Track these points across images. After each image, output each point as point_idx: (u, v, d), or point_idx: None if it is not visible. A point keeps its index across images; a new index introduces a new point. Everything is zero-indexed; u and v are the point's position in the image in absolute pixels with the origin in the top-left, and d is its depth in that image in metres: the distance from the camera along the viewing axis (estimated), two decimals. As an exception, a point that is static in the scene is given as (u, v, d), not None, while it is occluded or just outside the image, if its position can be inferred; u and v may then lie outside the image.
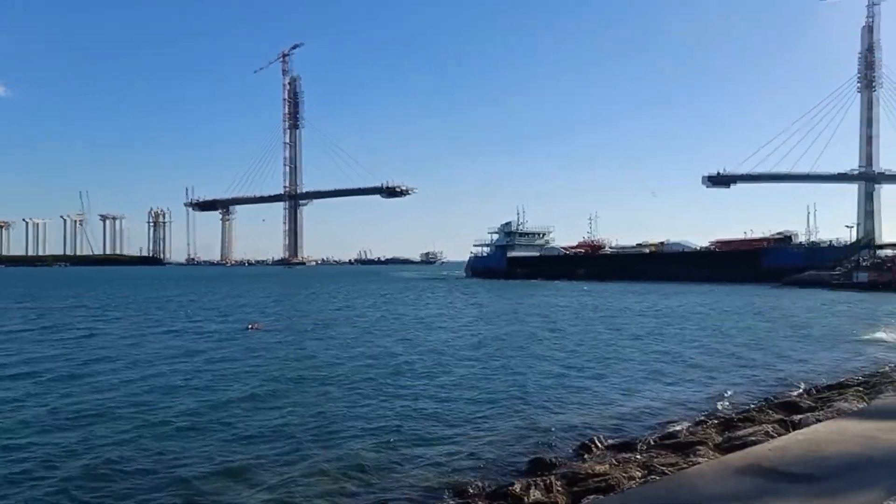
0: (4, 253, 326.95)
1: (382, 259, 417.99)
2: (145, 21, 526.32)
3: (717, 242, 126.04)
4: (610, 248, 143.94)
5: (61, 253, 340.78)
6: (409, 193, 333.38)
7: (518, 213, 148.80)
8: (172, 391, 22.22)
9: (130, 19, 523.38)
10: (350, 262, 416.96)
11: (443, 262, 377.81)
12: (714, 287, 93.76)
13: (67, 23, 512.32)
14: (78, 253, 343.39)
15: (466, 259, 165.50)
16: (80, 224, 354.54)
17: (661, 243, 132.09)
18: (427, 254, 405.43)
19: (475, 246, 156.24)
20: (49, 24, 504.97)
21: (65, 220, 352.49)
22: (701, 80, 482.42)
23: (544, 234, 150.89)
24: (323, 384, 23.53)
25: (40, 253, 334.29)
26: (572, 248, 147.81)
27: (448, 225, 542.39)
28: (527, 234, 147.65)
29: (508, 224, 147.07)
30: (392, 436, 16.85)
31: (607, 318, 50.18)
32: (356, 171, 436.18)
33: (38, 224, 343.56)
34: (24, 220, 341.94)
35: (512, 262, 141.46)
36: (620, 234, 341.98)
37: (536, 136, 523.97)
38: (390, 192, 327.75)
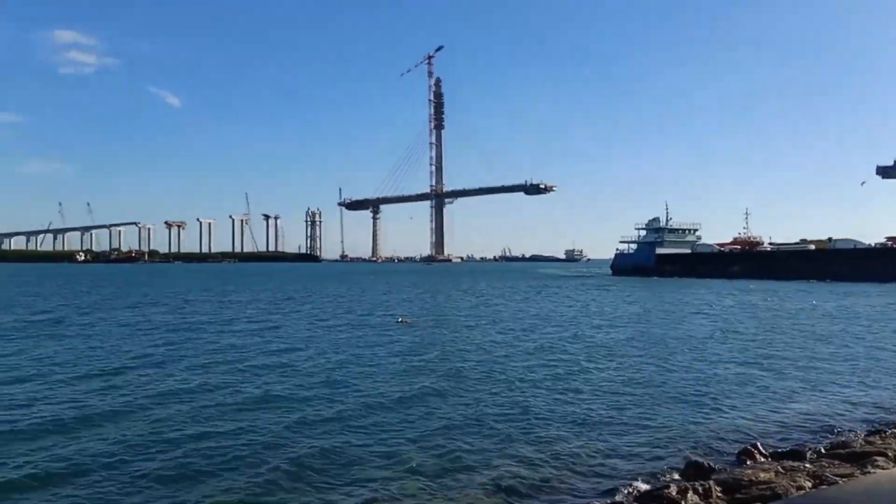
0: (181, 250, 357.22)
1: (525, 256, 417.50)
2: (301, 29, 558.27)
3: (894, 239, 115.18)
4: (769, 244, 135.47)
5: (229, 250, 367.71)
6: (551, 190, 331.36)
7: (665, 210, 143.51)
8: (344, 383, 23.38)
9: (286, 28, 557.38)
10: (494, 259, 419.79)
11: (588, 260, 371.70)
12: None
13: (226, 31, 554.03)
14: (244, 250, 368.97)
15: (610, 256, 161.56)
16: (245, 223, 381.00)
17: (829, 239, 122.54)
18: (571, 251, 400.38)
19: (621, 243, 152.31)
20: (210, 34, 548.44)
21: (232, 220, 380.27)
22: (864, 65, 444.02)
23: (694, 231, 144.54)
24: (477, 379, 23.91)
25: (211, 250, 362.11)
26: (726, 244, 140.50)
27: (591, 222, 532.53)
28: (676, 230, 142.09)
29: (656, 220, 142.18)
30: (546, 431, 16.88)
31: (783, 319, 47.15)
32: (499, 170, 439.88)
33: (208, 223, 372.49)
34: (197, 219, 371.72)
35: (661, 259, 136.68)
36: (773, 231, 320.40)
37: (682, 132, 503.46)
38: (533, 189, 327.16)
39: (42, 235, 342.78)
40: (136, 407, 18.74)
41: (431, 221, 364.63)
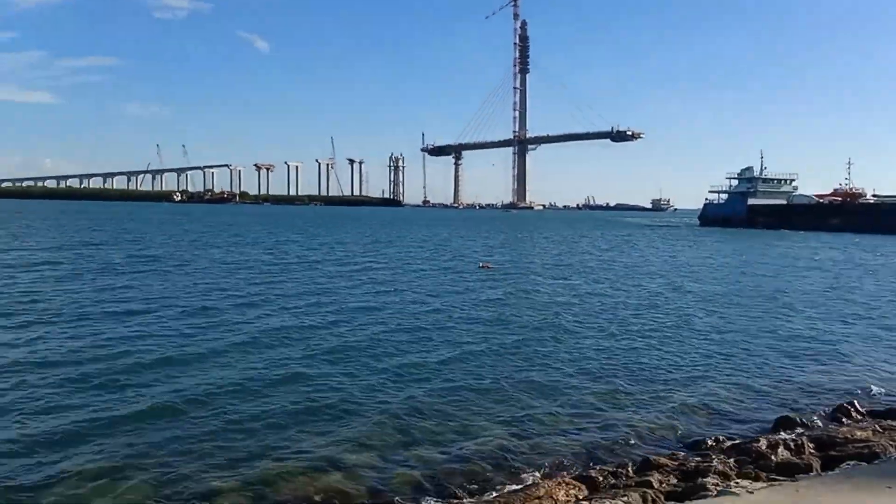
0: (269, 192, 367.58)
1: (609, 205, 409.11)
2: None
3: None
4: (872, 196, 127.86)
5: (315, 193, 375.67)
6: (638, 138, 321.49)
7: (760, 158, 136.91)
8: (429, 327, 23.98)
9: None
10: (577, 208, 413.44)
11: (674, 210, 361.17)
12: None
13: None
14: (329, 193, 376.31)
15: (699, 207, 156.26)
16: (331, 167, 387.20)
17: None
18: (657, 200, 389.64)
19: (711, 192, 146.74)
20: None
21: (318, 164, 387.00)
22: None
23: (790, 181, 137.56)
24: (564, 327, 24.01)
25: (298, 193, 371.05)
26: (825, 196, 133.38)
27: (679, 171, 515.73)
28: (770, 180, 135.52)
29: (749, 169, 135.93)
30: (634, 380, 16.92)
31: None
32: (584, 116, 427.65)
33: (296, 167, 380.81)
34: (284, 163, 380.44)
35: (753, 210, 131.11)
36: (878, 182, 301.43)
37: (779, 73, 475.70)
38: (619, 136, 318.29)
39: (142, 176, 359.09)
40: (232, 345, 19.68)
41: (513, 168, 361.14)
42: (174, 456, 11.33)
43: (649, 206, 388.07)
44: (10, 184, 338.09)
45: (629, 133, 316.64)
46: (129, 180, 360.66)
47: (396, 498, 10.20)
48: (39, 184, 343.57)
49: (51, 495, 9.71)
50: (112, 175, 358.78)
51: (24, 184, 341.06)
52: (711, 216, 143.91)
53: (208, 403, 14.06)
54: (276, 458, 11.47)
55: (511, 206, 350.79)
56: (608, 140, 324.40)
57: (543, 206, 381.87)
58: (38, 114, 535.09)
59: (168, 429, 12.54)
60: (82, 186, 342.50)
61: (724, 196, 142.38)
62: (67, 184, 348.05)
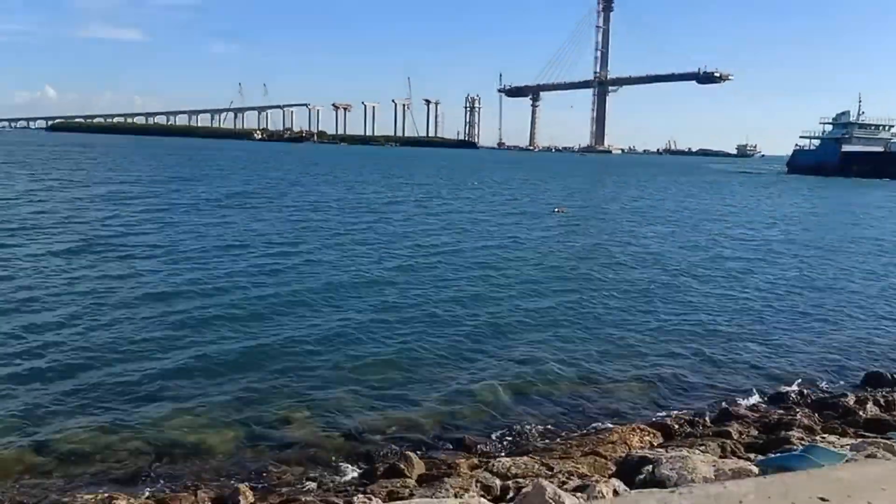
0: (346, 132, 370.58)
1: (692, 150, 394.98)
2: None
3: None
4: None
5: (391, 133, 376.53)
6: (727, 80, 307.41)
7: (858, 102, 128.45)
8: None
9: None
10: (657, 152, 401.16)
11: (761, 156, 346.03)
12: None
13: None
14: (405, 134, 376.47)
15: (787, 153, 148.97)
16: (407, 108, 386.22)
17: None
18: (743, 146, 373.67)
19: (801, 138, 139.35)
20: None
21: (394, 104, 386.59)
22: None
23: (889, 127, 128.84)
24: (637, 269, 23.53)
25: (374, 133, 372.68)
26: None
27: (768, 116, 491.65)
28: (867, 125, 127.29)
29: (845, 114, 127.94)
30: (714, 329, 16.45)
31: None
32: (668, 58, 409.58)
33: (372, 107, 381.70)
34: (361, 103, 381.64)
35: (847, 157, 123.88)
36: None
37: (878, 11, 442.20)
38: (706, 78, 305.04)
39: (224, 114, 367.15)
40: (322, 285, 20.13)
41: (593, 110, 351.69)
42: (254, 386, 11.67)
43: (734, 151, 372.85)
44: (101, 120, 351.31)
45: (717, 75, 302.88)
46: (212, 118, 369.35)
47: (468, 435, 10.24)
48: (129, 120, 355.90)
49: (146, 421, 10.17)
50: (197, 113, 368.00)
51: (115, 120, 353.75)
52: (801, 163, 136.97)
53: (297, 341, 14.29)
54: (352, 390, 11.69)
55: (589, 149, 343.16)
56: (694, 82, 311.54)
57: (622, 150, 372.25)
58: (128, 50, 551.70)
59: (255, 363, 12.84)
60: (169, 123, 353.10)
61: (816, 142, 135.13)
62: (155, 120, 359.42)
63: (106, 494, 7.34)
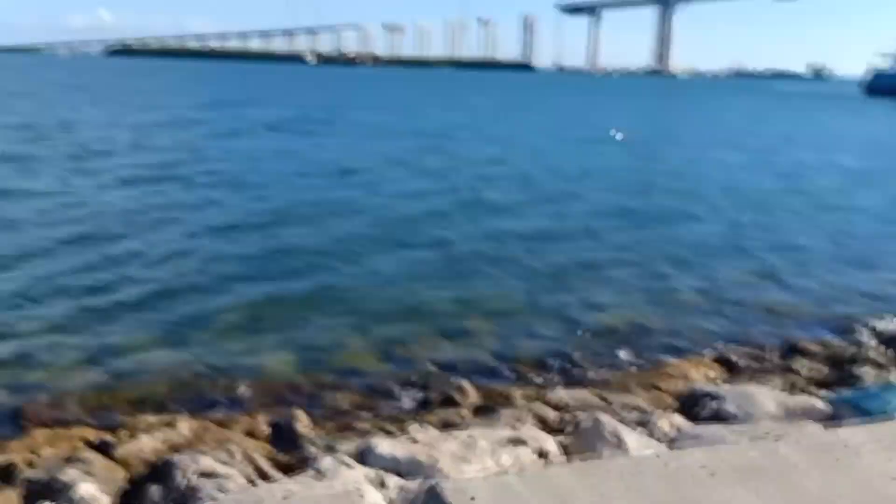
0: (399, 55, 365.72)
1: (760, 71, 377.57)
2: None
3: None
4: None
5: (445, 56, 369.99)
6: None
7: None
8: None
9: None
10: (725, 76, 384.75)
11: (835, 78, 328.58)
12: None
13: None
14: (460, 56, 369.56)
15: (863, 75, 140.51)
16: (461, 28, 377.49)
17: None
18: (816, 67, 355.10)
19: (881, 56, 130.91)
20: None
21: (448, 25, 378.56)
22: None
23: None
24: (693, 199, 22.77)
25: (426, 56, 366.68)
26: None
27: (843, 34, 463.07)
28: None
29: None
30: (772, 259, 15.83)
31: None
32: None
33: (425, 29, 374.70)
34: (414, 24, 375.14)
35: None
36: None
37: None
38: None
39: (274, 36, 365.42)
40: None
41: (658, 30, 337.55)
42: (312, 313, 11.75)
43: (806, 72, 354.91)
44: (156, 44, 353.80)
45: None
46: (262, 39, 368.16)
47: (523, 366, 10.12)
48: (183, 45, 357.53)
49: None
50: (248, 34, 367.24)
51: (169, 43, 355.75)
52: (880, 86, 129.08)
53: (357, 272, 14.19)
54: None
55: (653, 71, 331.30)
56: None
57: (688, 71, 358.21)
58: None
59: (314, 292, 12.87)
60: (222, 46, 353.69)
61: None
62: (208, 43, 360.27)
63: (168, 417, 7.50)
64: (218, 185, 22.21)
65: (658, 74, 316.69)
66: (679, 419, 7.30)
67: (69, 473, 5.70)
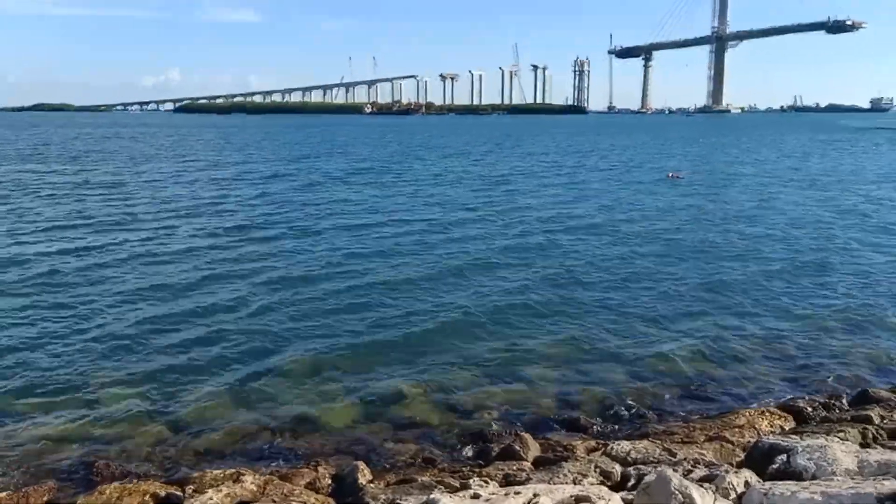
0: (454, 102, 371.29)
1: (820, 106, 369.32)
2: None
3: None
4: None
5: (498, 101, 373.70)
6: (858, 28, 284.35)
7: None
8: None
9: None
10: (781, 110, 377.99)
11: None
12: None
13: None
14: (512, 102, 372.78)
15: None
16: (514, 74, 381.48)
17: None
18: (878, 99, 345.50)
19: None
20: None
21: (501, 71, 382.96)
22: None
23: None
24: (753, 241, 22.28)
25: (481, 102, 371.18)
26: None
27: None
28: None
29: None
30: (837, 303, 15.33)
31: None
32: (793, 5, 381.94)
33: (479, 75, 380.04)
34: (469, 72, 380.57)
35: None
36: None
37: None
38: (836, 27, 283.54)
39: (336, 89, 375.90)
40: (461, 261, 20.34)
41: (709, 68, 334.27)
42: (370, 362, 11.85)
43: (867, 106, 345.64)
44: (222, 100, 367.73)
45: (848, 23, 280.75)
46: (324, 93, 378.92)
47: (583, 416, 9.97)
48: (248, 99, 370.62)
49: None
50: (310, 89, 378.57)
51: (235, 99, 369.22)
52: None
53: (414, 319, 14.38)
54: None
55: (705, 109, 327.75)
56: (822, 32, 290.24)
57: (742, 108, 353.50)
58: (243, 31, 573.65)
59: (372, 339, 13.06)
60: (284, 101, 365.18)
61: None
62: (271, 98, 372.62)
63: (232, 470, 7.61)
64: (287, 236, 22.65)
65: (711, 112, 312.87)
66: (748, 475, 7.04)
67: (140, 530, 5.84)
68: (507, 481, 7.33)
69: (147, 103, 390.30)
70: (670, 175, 43.43)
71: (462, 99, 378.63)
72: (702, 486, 6.62)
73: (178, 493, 7.06)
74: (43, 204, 28.96)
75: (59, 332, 12.77)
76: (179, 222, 24.86)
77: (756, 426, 9.35)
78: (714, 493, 6.41)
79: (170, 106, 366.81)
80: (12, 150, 63.57)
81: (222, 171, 46.02)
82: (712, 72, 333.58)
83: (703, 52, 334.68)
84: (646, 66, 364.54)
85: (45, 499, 7.20)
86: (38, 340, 12.35)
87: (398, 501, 6.78)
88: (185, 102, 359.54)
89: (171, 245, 20.76)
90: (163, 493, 7.03)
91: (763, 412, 9.83)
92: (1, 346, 12.10)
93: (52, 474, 7.90)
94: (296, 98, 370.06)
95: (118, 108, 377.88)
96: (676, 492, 6.16)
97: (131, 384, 10.62)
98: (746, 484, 6.76)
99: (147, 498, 6.90)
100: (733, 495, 6.54)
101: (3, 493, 7.19)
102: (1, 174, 41.10)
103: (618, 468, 7.57)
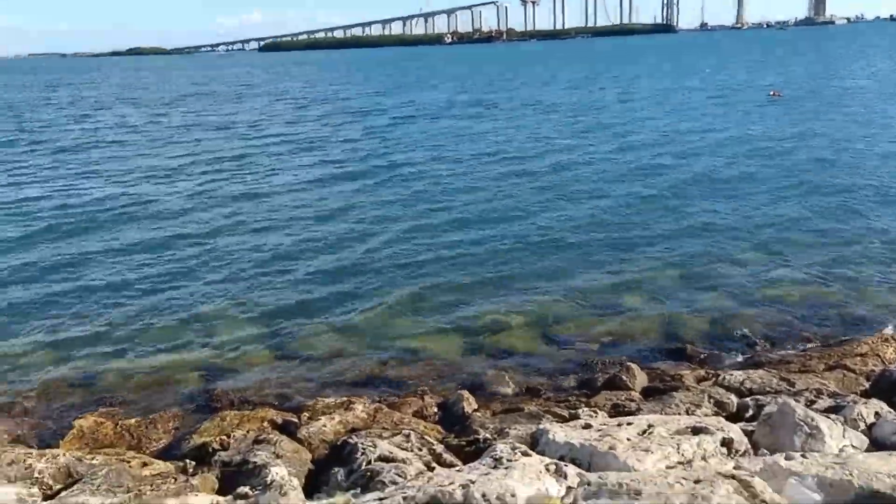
0: (536, 28, 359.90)
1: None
2: None
3: None
4: None
5: (581, 25, 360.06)
6: None
7: None
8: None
9: None
10: (891, 18, 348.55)
11: None
12: None
13: None
14: (597, 24, 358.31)
15: None
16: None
17: None
18: None
19: None
20: None
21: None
22: None
23: None
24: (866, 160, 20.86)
25: (564, 27, 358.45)
26: None
27: None
28: None
29: None
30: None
31: None
32: None
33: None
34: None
35: None
36: None
37: None
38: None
39: (415, 20, 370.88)
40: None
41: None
42: (473, 293, 11.83)
43: None
44: (305, 37, 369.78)
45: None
46: (403, 25, 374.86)
47: (690, 345, 9.66)
48: (329, 35, 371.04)
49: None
50: (389, 21, 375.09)
51: (317, 35, 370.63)
52: None
53: (515, 247, 14.42)
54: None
55: (807, 21, 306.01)
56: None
57: (848, 18, 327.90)
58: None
59: (474, 270, 13.02)
60: (364, 34, 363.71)
61: None
62: (351, 32, 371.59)
63: (344, 398, 7.79)
64: (397, 171, 22.44)
65: (814, 24, 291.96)
66: (877, 405, 6.64)
67: (260, 455, 6.04)
68: (617, 411, 7.20)
69: (232, 43, 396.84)
70: (772, 93, 40.98)
71: (543, 24, 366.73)
72: (828, 416, 6.30)
73: (294, 419, 7.29)
74: (170, 143, 29.93)
75: (178, 269, 13.32)
76: (287, 161, 25.06)
77: (880, 354, 8.84)
78: (842, 425, 6.08)
79: (254, 45, 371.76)
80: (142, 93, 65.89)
81: (321, 107, 46.11)
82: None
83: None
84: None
85: (170, 424, 7.58)
86: (160, 276, 12.93)
87: (507, 430, 6.77)
88: (268, 41, 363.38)
89: (280, 183, 20.99)
90: (279, 420, 7.27)
91: (887, 339, 9.28)
92: (130, 278, 12.74)
93: (175, 401, 8.32)
94: (375, 31, 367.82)
95: (205, 48, 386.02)
96: (801, 423, 5.86)
97: (245, 318, 10.99)
98: (876, 415, 6.39)
99: (265, 424, 7.16)
100: (862, 426, 6.20)
101: (133, 420, 7.61)
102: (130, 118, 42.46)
103: (733, 398, 7.31)
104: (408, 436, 6.27)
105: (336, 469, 5.95)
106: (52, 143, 31.10)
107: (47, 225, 16.53)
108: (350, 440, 6.26)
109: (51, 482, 5.52)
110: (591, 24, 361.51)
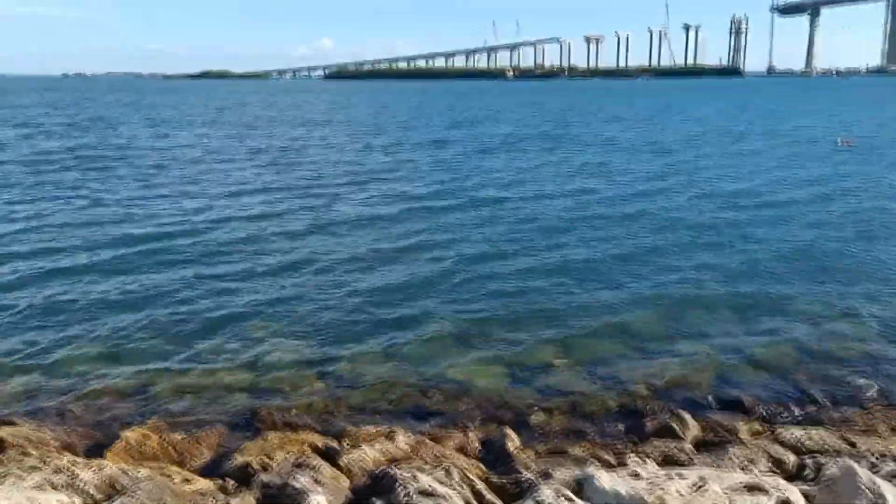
0: (598, 66, 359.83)
1: None
2: None
3: None
4: None
5: (645, 64, 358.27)
6: None
7: None
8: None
9: None
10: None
11: None
12: None
13: None
14: (661, 64, 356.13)
15: None
16: (663, 35, 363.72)
17: None
18: None
19: None
20: None
21: (650, 32, 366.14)
22: None
23: None
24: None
25: (627, 65, 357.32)
26: None
27: None
28: None
29: None
30: None
31: None
32: None
33: (626, 36, 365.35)
34: (615, 33, 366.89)
35: None
36: None
37: None
38: None
39: (478, 54, 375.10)
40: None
41: (886, 24, 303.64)
42: (519, 329, 11.69)
43: None
44: (370, 66, 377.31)
45: None
46: (467, 58, 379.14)
47: (745, 396, 9.28)
48: (394, 65, 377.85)
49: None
50: (453, 54, 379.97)
51: (381, 65, 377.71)
52: None
53: (564, 286, 14.24)
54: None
55: (881, 70, 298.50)
56: None
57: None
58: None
59: (522, 306, 12.93)
60: (428, 66, 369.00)
61: None
62: (415, 64, 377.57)
63: (388, 429, 7.72)
64: (459, 203, 22.50)
65: (887, 73, 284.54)
66: (948, 474, 6.26)
67: (301, 480, 6.00)
68: (667, 461, 6.95)
69: (300, 69, 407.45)
70: (840, 141, 39.91)
71: (607, 62, 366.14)
72: (893, 482, 5.97)
73: (335, 445, 7.25)
74: (234, 168, 30.78)
75: (236, 287, 13.57)
76: (351, 189, 25.20)
77: (951, 419, 8.34)
78: (909, 493, 5.73)
79: (320, 73, 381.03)
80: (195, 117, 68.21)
81: (386, 136, 46.68)
82: (889, 28, 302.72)
83: (879, 9, 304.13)
84: (812, 24, 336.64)
85: (214, 441, 7.63)
86: (219, 293, 13.19)
87: (551, 472, 6.59)
88: (334, 69, 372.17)
89: (340, 213, 21.06)
90: (321, 444, 7.24)
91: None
92: (181, 297, 12.99)
93: (220, 418, 8.38)
94: (439, 63, 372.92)
95: (274, 75, 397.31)
96: (865, 489, 5.57)
97: (294, 339, 11.07)
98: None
99: (306, 447, 7.14)
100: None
101: (179, 436, 7.69)
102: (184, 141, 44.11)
103: (791, 457, 6.98)
104: (449, 471, 6.16)
105: (375, 500, 5.88)
106: (136, 160, 32.56)
107: (123, 234, 17.47)
108: (390, 471, 6.18)
109: (93, 492, 5.57)
110: (654, 63, 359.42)
